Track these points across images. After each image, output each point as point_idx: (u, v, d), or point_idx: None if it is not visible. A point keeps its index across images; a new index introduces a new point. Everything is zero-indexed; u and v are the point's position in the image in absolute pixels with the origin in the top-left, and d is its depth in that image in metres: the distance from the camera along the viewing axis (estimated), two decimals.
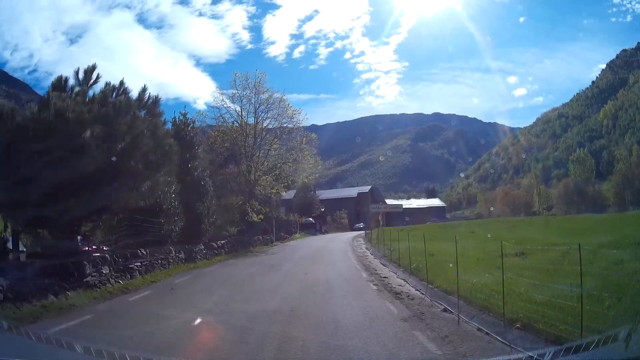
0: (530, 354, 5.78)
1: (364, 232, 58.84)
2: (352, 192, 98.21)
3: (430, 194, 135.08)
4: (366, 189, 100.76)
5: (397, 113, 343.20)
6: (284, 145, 40.38)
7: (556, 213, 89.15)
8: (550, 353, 5.37)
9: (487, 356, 6.84)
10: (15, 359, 5.93)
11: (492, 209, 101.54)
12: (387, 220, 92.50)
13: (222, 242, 29.55)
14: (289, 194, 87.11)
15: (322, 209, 71.30)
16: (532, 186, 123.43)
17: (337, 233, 64.00)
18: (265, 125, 40.11)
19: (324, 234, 63.68)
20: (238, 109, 39.61)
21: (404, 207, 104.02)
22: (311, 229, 59.92)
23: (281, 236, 44.17)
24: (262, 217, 37.10)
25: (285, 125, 40.09)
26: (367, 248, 31.04)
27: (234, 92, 39.33)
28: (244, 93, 39.07)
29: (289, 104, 40.26)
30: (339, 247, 33.31)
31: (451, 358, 6.94)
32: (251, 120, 39.56)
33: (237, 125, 39.63)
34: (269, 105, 39.27)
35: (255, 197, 37.65)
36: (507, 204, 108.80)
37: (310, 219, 64.11)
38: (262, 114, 39.51)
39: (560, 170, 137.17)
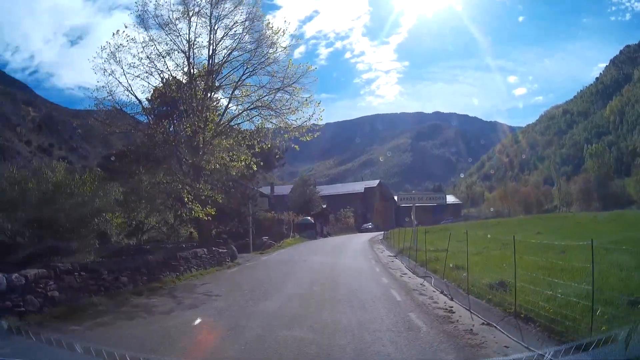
0: (530, 353, 5.91)
1: (377, 234, 50.68)
2: (358, 187, 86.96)
3: (437, 192, 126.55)
4: (374, 183, 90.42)
5: (398, 112, 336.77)
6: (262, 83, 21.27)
7: (578, 210, 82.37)
8: (550, 353, 5.30)
9: None
10: (15, 359, 5.95)
11: (504, 208, 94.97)
12: (396, 218, 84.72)
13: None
14: (283, 189, 78.89)
15: (324, 206, 62.28)
16: (539, 183, 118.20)
17: (343, 236, 54.25)
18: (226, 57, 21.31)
19: (325, 236, 53.02)
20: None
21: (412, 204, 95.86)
22: (309, 231, 47.79)
23: (263, 243, 30.50)
24: (212, 212, 19.64)
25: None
26: (420, 275, 16.22)
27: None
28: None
29: (268, 23, 21.39)
30: (363, 271, 18.21)
31: None
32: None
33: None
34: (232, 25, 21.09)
35: (201, 175, 20.54)
36: (518, 202, 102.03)
37: (309, 217, 51.72)
38: (222, 39, 21.11)
39: (568, 167, 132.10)
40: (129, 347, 6.52)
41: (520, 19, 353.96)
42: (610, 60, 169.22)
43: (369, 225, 70.77)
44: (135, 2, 19.60)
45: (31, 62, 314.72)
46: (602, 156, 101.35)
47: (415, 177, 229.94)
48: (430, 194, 44.10)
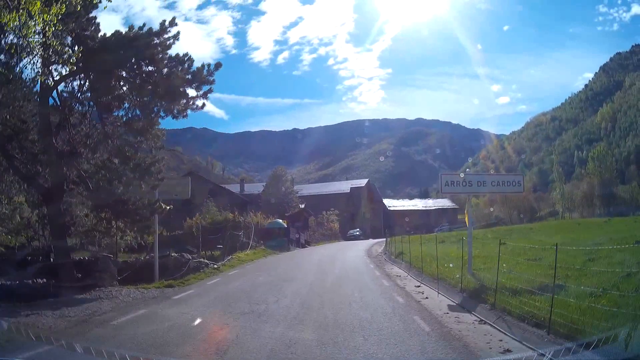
0: (530, 353, 5.85)
1: (371, 243, 37.36)
2: (344, 186, 72.76)
3: (424, 196, 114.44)
4: (362, 182, 76.47)
5: (380, 118, 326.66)
6: None
7: (581, 215, 74.60)
8: (550, 353, 5.16)
9: None
10: (15, 359, 5.70)
11: (492, 210, 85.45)
12: (384, 224, 71.51)
13: None
14: (253, 188, 65.01)
15: (302, 205, 48.24)
16: (528, 189, 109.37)
17: (327, 246, 41.56)
18: None
19: (303, 246, 39.36)
20: None
21: (405, 208, 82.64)
22: (280, 238, 33.70)
23: (182, 263, 17.42)
24: None
25: None
26: None
27: None
28: None
29: None
30: None
31: None
32: None
33: None
34: None
35: None
36: (511, 208, 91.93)
37: (280, 220, 37.55)
38: None
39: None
40: None
41: (506, 27, 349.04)
42: (600, 67, 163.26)
43: (357, 231, 57.28)
44: None
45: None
46: (604, 160, 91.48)
47: (398, 182, 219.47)
48: (498, 175, 30.29)
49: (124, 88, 13.87)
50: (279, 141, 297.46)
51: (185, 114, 13.00)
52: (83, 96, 14.98)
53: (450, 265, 14.30)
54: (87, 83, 14.52)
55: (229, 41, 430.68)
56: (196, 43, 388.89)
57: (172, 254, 18.37)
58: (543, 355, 5.18)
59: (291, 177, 62.98)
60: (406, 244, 24.27)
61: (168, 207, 15.26)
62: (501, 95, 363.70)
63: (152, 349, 6.54)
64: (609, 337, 5.08)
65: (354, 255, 26.84)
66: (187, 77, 12.64)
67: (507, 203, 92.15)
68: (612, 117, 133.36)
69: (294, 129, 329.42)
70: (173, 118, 12.95)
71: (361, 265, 20.68)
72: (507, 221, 73.76)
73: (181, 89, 12.57)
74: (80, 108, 15.24)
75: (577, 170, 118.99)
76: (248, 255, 24.26)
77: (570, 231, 29.69)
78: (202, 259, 18.60)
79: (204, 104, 13.12)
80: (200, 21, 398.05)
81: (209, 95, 12.95)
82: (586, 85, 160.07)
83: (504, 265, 14.24)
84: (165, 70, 12.54)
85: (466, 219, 15.26)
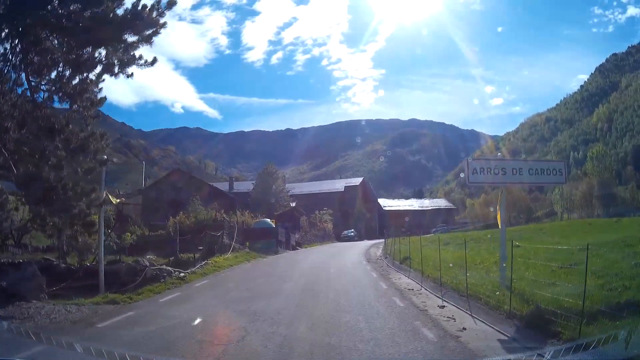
0: (530, 353, 5.60)
1: (368, 245, 34.03)
2: (338, 185, 68.30)
3: (418, 196, 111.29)
4: (356, 181, 72.44)
5: (373, 119, 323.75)
6: None
7: (580, 216, 70.76)
8: (550, 352, 5.01)
9: None
10: (15, 359, 5.46)
11: (492, 209, 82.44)
12: (379, 225, 68.05)
13: None
14: (243, 186, 61.42)
15: (293, 204, 44.41)
16: (524, 190, 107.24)
17: (320, 247, 37.79)
18: None
19: (294, 248, 35.42)
20: None
21: (400, 208, 79.03)
22: (267, 240, 29.39)
23: (137, 270, 13.90)
24: None
25: None
26: None
27: None
28: None
29: None
30: None
31: None
32: None
33: None
34: None
35: None
36: (510, 208, 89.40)
37: (268, 220, 33.29)
38: None
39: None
40: None
41: (500, 29, 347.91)
42: (596, 68, 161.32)
43: (351, 232, 53.77)
44: None
45: None
46: (603, 160, 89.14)
47: (391, 183, 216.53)
48: (537, 162, 26.28)
49: (55, 42, 10.33)
50: (273, 141, 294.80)
51: (129, 72, 9.55)
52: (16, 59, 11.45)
53: (469, 274, 10.90)
54: (17, 41, 10.99)
55: (223, 41, 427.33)
56: (190, 43, 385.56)
57: (124, 261, 14.76)
58: (542, 355, 5.02)
59: (283, 174, 59.35)
60: (408, 247, 20.93)
61: (118, 201, 11.72)
62: (495, 97, 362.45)
63: None
64: (609, 337, 4.96)
65: (351, 260, 23.21)
66: (127, 16, 9.16)
67: (508, 203, 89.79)
68: (608, 118, 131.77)
69: (288, 129, 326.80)
70: (112, 76, 9.51)
71: (361, 275, 16.97)
72: (507, 222, 70.62)
73: (120, 34, 9.10)
74: (13, 75, 11.69)
75: (573, 171, 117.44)
76: (228, 260, 20.60)
77: (585, 232, 26.76)
78: (163, 266, 14.90)
79: (155, 60, 9.68)
80: (195, 21, 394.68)
81: (153, 39, 9.38)
82: (581, 86, 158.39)
83: (528, 272, 11.16)
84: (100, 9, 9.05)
85: (498, 218, 11.85)
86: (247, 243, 27.14)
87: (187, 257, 21.85)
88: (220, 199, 43.22)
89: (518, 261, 10.75)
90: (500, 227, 11.65)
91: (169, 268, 14.69)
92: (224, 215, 27.79)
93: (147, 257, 23.26)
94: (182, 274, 14.54)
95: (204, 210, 31.83)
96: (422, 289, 12.23)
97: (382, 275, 16.57)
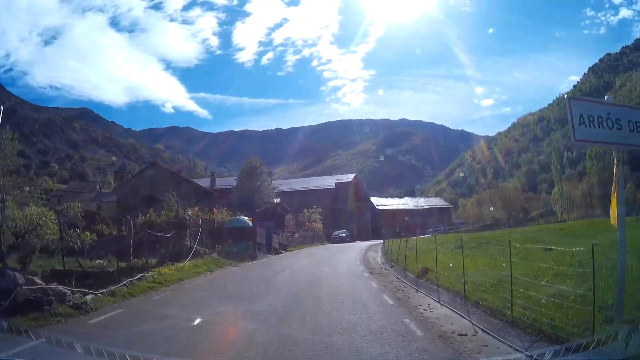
0: (529, 353, 5.43)
1: (364, 246, 29.36)
2: (328, 182, 62.53)
3: (410, 196, 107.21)
4: (348, 177, 67.13)
5: (364, 119, 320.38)
6: None
7: (580, 216, 68.64)
8: (550, 352, 4.83)
9: None
10: (15, 359, 5.36)
11: (491, 209, 79.18)
12: (372, 225, 63.40)
13: None
14: (226, 182, 56.52)
15: (277, 200, 39.00)
16: (518, 189, 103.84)
17: (309, 250, 33.13)
18: None
19: (278, 252, 30.24)
20: None
21: (394, 207, 74.57)
22: (244, 242, 23.94)
23: (35, 297, 8.69)
24: None
25: None
26: None
27: None
28: None
29: None
30: None
31: None
32: None
33: None
34: None
35: None
36: (503, 209, 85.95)
37: (245, 218, 27.82)
38: None
39: (548, 175, 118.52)
40: None
41: (490, 30, 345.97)
42: (589, 68, 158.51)
43: (343, 232, 48.90)
44: None
45: (7, 60, 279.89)
46: (602, 158, 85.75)
47: (381, 182, 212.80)
48: None
49: None
50: (263, 141, 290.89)
51: None
52: None
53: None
54: None
55: (214, 42, 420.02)
56: (181, 44, 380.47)
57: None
58: (542, 355, 4.83)
59: (268, 169, 54.14)
60: (419, 252, 16.20)
61: None
62: (485, 97, 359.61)
63: None
64: (609, 337, 4.83)
65: (347, 269, 17.98)
66: None
67: (497, 204, 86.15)
68: None
69: (278, 129, 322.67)
70: None
71: (369, 299, 11.08)
72: (506, 222, 66.72)
73: None
74: None
75: (567, 171, 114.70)
76: (182, 270, 15.44)
77: (612, 231, 22.23)
78: (54, 285, 9.44)
79: None
80: (186, 22, 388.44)
81: None
82: (575, 86, 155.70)
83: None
84: None
85: (612, 209, 7.03)
86: (218, 246, 22.06)
87: (142, 262, 17.81)
88: (199, 195, 39.16)
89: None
90: (617, 222, 6.80)
91: (62, 288, 9.21)
92: (189, 213, 22.78)
93: (98, 262, 19.49)
94: (86, 297, 9.36)
95: (175, 208, 27.12)
96: (474, 327, 7.28)
97: (400, 300, 11.07)
